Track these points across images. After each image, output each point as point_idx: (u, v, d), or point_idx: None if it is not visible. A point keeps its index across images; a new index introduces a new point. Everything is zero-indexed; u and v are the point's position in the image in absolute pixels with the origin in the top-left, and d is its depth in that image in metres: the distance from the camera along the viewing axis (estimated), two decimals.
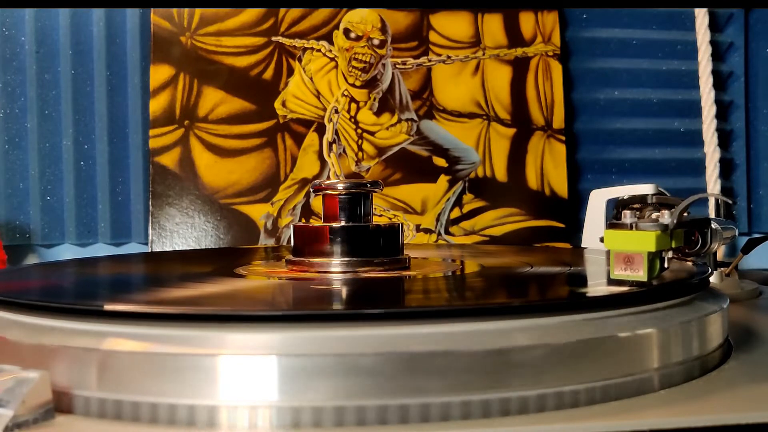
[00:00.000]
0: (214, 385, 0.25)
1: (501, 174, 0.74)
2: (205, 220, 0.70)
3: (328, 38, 0.73)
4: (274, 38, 0.73)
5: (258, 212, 0.70)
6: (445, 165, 0.73)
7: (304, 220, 0.70)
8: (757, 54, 0.81)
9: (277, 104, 0.72)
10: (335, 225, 0.42)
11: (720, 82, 0.80)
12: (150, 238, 0.69)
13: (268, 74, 0.72)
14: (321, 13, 0.73)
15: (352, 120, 0.72)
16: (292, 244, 0.44)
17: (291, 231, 0.61)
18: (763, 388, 0.29)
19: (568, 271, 0.41)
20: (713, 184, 0.76)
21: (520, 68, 0.75)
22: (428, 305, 0.30)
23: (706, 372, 0.31)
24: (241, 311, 0.27)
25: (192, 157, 0.70)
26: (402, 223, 0.45)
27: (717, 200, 0.65)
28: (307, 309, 0.29)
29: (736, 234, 0.50)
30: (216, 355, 0.25)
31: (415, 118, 0.73)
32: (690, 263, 0.42)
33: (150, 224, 0.69)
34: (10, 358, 0.28)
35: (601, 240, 0.33)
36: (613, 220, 0.33)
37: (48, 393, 0.25)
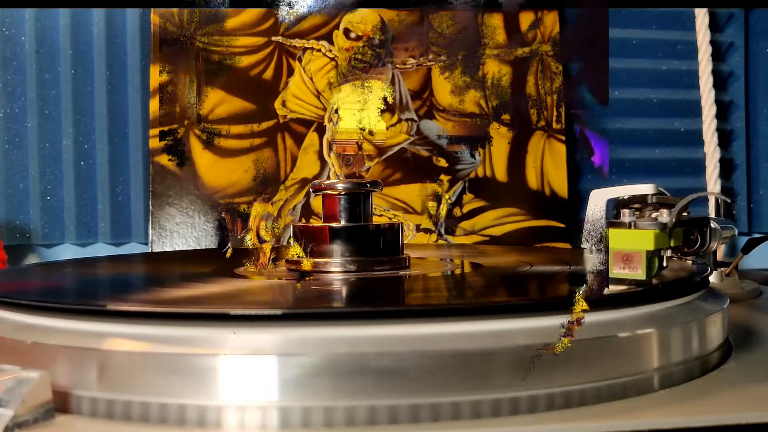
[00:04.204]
0: (214, 385, 0.25)
1: (501, 174, 0.74)
2: (205, 220, 0.70)
3: (328, 38, 0.73)
4: (274, 38, 0.73)
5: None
6: (445, 165, 0.73)
7: (304, 220, 0.70)
8: (757, 54, 0.81)
9: (277, 104, 0.72)
10: (335, 225, 0.42)
11: (720, 82, 0.80)
12: (150, 238, 0.69)
13: (268, 74, 0.72)
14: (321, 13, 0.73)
15: None
16: (292, 244, 0.44)
17: (291, 231, 0.61)
18: (763, 388, 0.29)
19: (567, 270, 0.41)
20: (713, 184, 0.76)
21: (520, 68, 0.75)
22: (428, 304, 0.30)
23: (706, 372, 0.31)
24: (241, 311, 0.27)
25: (192, 157, 0.70)
26: (402, 223, 0.45)
27: (717, 200, 0.65)
28: (307, 308, 0.29)
29: (736, 234, 0.50)
30: (216, 355, 0.25)
31: (415, 118, 0.73)
32: (690, 263, 0.42)
33: (150, 224, 0.69)
34: (10, 358, 0.28)
35: None
36: (613, 220, 0.33)
37: (48, 393, 0.25)
